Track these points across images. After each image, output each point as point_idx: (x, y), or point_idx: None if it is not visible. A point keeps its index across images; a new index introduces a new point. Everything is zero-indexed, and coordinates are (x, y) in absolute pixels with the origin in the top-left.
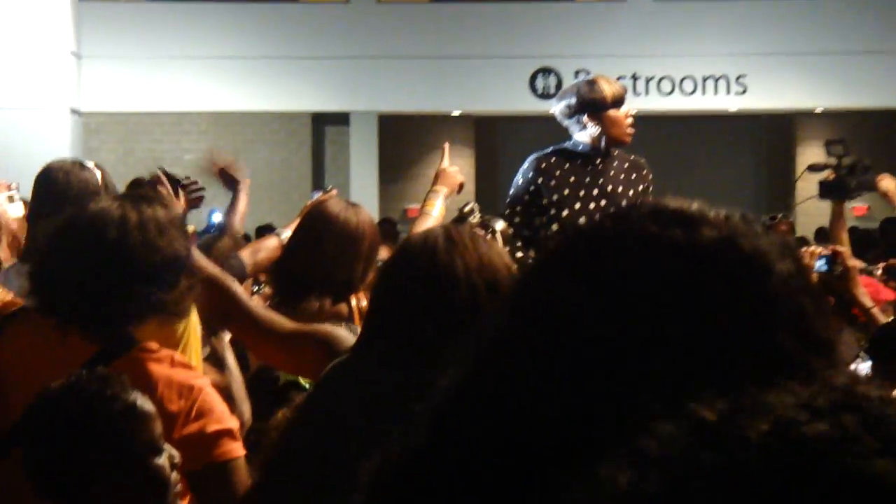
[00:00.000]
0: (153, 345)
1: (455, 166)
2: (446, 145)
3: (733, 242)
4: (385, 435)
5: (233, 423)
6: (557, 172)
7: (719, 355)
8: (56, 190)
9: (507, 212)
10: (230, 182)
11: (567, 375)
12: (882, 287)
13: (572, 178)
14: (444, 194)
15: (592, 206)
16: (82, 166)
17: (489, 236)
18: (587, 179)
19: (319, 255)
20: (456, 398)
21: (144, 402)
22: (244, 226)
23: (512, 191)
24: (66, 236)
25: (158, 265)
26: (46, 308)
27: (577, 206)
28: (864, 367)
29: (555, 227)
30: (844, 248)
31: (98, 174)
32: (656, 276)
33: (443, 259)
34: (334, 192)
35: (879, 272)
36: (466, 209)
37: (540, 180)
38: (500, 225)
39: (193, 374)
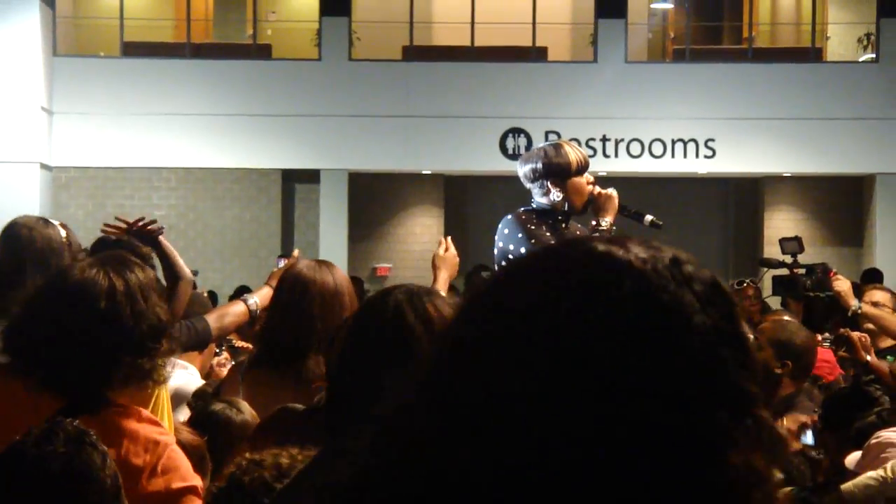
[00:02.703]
0: (122, 401)
1: (452, 251)
2: (448, 239)
3: (651, 293)
4: None
5: (197, 480)
6: (537, 230)
7: (627, 407)
8: (19, 246)
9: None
10: (148, 236)
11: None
12: (837, 368)
13: (548, 236)
14: (445, 280)
15: None
16: (46, 223)
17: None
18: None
19: (307, 319)
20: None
21: (93, 460)
22: (217, 285)
23: (499, 249)
24: (50, 302)
25: (145, 333)
26: (20, 368)
27: None
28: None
29: None
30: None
31: (63, 232)
32: (570, 322)
33: (409, 319)
34: (297, 253)
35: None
36: None
37: (520, 235)
38: None
39: (160, 430)
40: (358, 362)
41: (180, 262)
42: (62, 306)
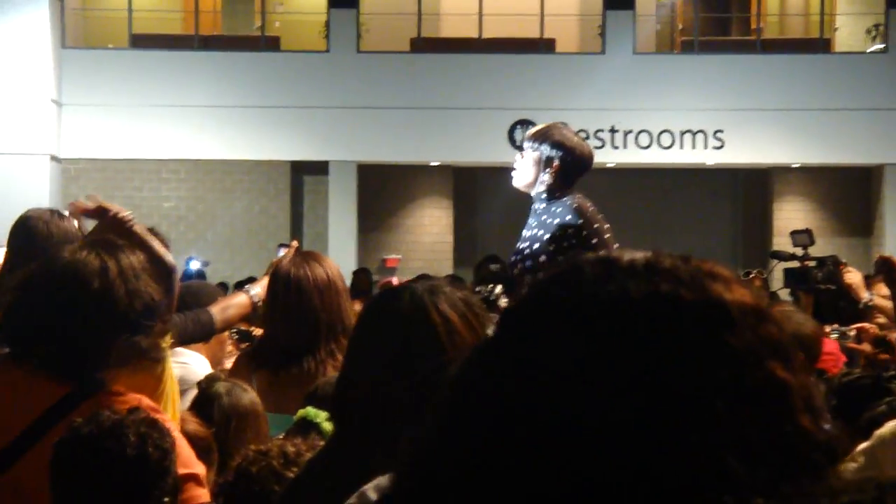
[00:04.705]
0: (121, 388)
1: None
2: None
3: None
4: None
5: (199, 468)
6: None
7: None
8: (37, 239)
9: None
10: (121, 227)
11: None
12: (841, 356)
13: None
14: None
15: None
16: (60, 215)
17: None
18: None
19: (311, 316)
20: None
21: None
22: (227, 276)
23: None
24: (43, 285)
25: (139, 312)
26: (17, 354)
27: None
28: None
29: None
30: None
31: (75, 223)
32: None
33: (434, 317)
34: (296, 243)
35: (853, 333)
36: (497, 291)
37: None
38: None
39: (161, 418)
40: (368, 355)
41: (161, 250)
42: (55, 289)
